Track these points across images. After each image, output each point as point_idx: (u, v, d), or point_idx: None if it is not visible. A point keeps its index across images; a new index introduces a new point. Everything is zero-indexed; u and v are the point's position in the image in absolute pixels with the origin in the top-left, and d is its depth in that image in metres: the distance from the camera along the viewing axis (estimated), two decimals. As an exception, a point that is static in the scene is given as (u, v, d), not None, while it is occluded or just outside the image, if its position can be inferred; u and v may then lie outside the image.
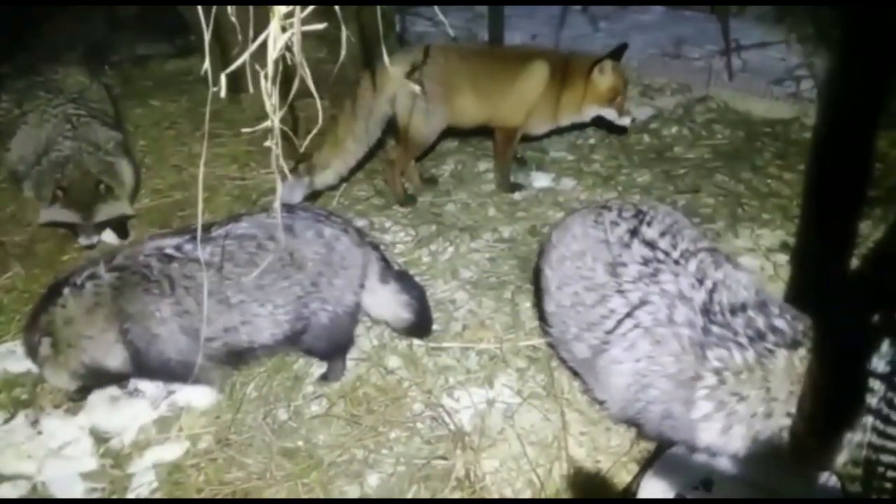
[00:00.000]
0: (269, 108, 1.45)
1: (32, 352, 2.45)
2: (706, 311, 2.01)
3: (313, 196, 3.47)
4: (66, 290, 2.40)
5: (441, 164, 3.96)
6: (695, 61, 4.93)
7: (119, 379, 2.57)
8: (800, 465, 2.01)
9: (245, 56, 1.42)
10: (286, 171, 1.64)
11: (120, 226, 3.40)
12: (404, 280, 2.71)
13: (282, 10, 1.39)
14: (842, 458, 1.95)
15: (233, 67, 1.42)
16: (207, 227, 2.47)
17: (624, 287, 2.13)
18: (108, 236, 3.37)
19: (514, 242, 3.30)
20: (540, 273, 2.52)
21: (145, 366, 2.46)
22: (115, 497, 2.28)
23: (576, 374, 2.48)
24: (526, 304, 2.92)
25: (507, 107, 3.50)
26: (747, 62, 4.78)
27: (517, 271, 3.09)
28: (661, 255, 2.14)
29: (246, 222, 2.48)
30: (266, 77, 1.42)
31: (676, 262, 2.12)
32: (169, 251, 2.41)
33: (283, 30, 1.41)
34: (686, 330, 2.01)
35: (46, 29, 4.68)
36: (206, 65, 1.42)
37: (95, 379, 2.52)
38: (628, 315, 2.09)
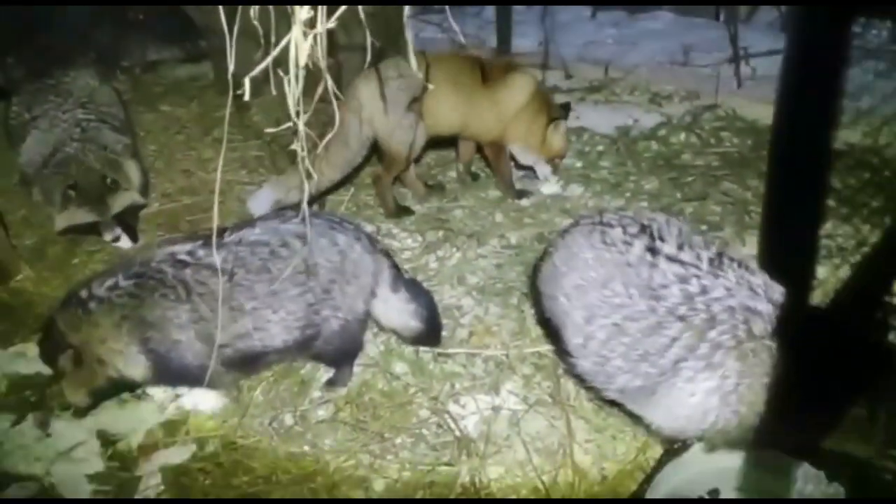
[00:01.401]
0: (292, 111, 1.47)
1: (50, 359, 2.43)
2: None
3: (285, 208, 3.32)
4: (94, 305, 2.37)
5: (448, 170, 3.97)
6: (703, 69, 4.94)
7: (134, 388, 2.58)
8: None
9: (269, 60, 1.43)
10: (312, 171, 1.66)
11: (129, 228, 3.42)
12: (415, 289, 2.72)
13: (303, 14, 1.41)
14: None
15: (257, 71, 1.44)
16: (220, 233, 2.47)
17: (679, 311, 2.07)
18: (122, 241, 3.40)
19: (522, 249, 3.30)
20: (545, 298, 2.46)
21: (165, 372, 2.45)
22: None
23: (611, 403, 2.38)
24: (532, 311, 2.92)
25: (486, 118, 3.51)
26: (756, 70, 4.78)
27: (524, 278, 3.09)
28: (693, 270, 2.12)
29: (259, 228, 2.48)
30: (289, 81, 1.44)
31: (715, 276, 2.10)
32: (182, 257, 2.41)
33: (304, 35, 1.43)
34: (768, 341, 2.00)
35: (58, 34, 4.73)
36: (231, 62, 1.43)
37: (114, 391, 2.52)
38: (702, 339, 2.04)
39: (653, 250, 2.18)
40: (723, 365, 2.02)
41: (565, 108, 3.74)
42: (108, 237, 3.34)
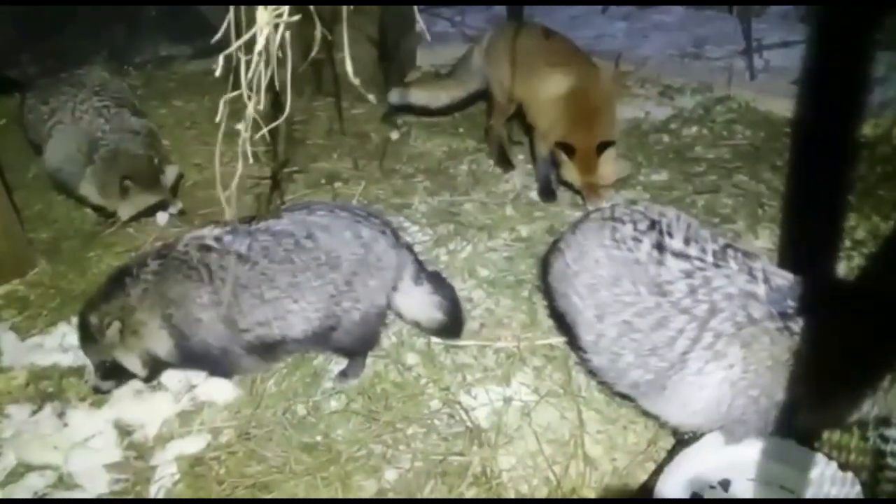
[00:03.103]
0: (245, 93, 1.52)
1: (96, 332, 2.48)
2: (777, 300, 2.04)
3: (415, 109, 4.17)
4: (128, 280, 2.49)
5: (458, 163, 3.97)
6: (715, 61, 4.91)
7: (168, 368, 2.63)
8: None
9: (235, 46, 1.47)
10: (249, 155, 1.70)
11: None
12: (437, 281, 2.75)
13: (269, 7, 1.46)
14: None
15: (226, 52, 1.47)
16: (249, 221, 2.55)
17: (683, 304, 2.09)
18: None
19: (532, 241, 3.30)
20: (558, 294, 2.48)
21: (189, 352, 2.51)
22: (137, 489, 2.32)
23: (624, 397, 2.40)
24: (544, 303, 2.93)
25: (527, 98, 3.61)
26: (769, 62, 4.75)
27: (535, 270, 3.09)
28: (698, 264, 2.13)
29: (286, 219, 2.54)
30: (248, 66, 1.48)
31: (717, 266, 2.12)
32: (208, 242, 2.48)
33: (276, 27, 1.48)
34: (769, 323, 2.01)
35: (70, 31, 4.76)
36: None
37: (156, 367, 2.59)
38: (704, 329, 2.06)
39: (660, 247, 2.20)
40: (726, 353, 2.04)
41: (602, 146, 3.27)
42: (173, 210, 3.51)
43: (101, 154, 3.42)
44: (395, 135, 4.22)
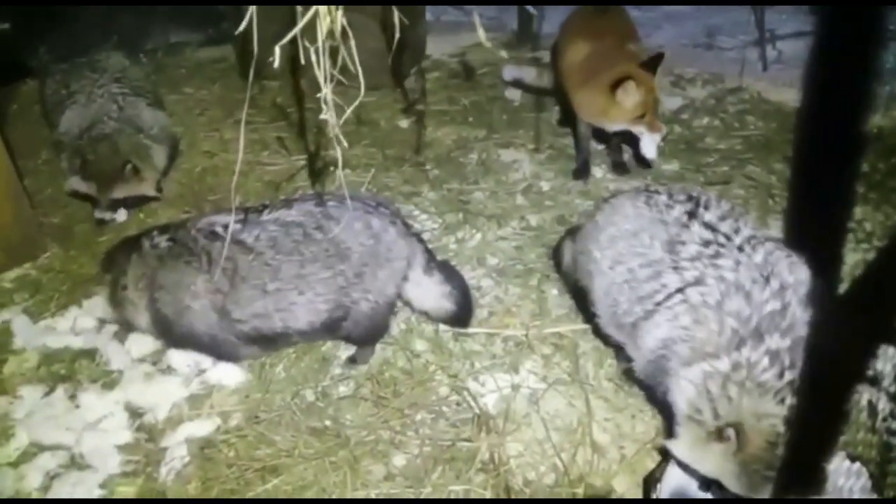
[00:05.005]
0: (321, 80, 1.51)
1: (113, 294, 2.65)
2: (769, 314, 1.98)
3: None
4: (135, 256, 2.57)
5: (468, 152, 3.96)
6: (728, 51, 4.88)
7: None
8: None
9: (297, 29, 1.47)
10: (342, 140, 1.71)
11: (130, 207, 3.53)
12: (447, 271, 2.75)
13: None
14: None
15: (286, 40, 1.48)
16: (260, 210, 2.55)
17: (680, 264, 2.16)
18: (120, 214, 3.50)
19: (542, 231, 3.30)
20: (581, 255, 2.54)
21: (169, 334, 2.57)
22: (148, 470, 2.35)
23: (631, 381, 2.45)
24: (553, 292, 2.93)
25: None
26: (781, 52, 4.71)
27: (544, 259, 3.10)
28: (721, 239, 2.16)
29: (296, 209, 2.54)
30: (317, 52, 1.48)
31: (740, 249, 2.13)
32: (217, 229, 2.50)
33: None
34: (733, 321, 2.00)
35: (82, 18, 4.77)
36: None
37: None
38: (679, 290, 2.12)
39: (693, 214, 2.26)
40: (678, 317, 2.10)
41: (654, 61, 3.32)
42: (96, 215, 3.45)
43: (92, 134, 3.46)
44: (404, 123, 4.22)
